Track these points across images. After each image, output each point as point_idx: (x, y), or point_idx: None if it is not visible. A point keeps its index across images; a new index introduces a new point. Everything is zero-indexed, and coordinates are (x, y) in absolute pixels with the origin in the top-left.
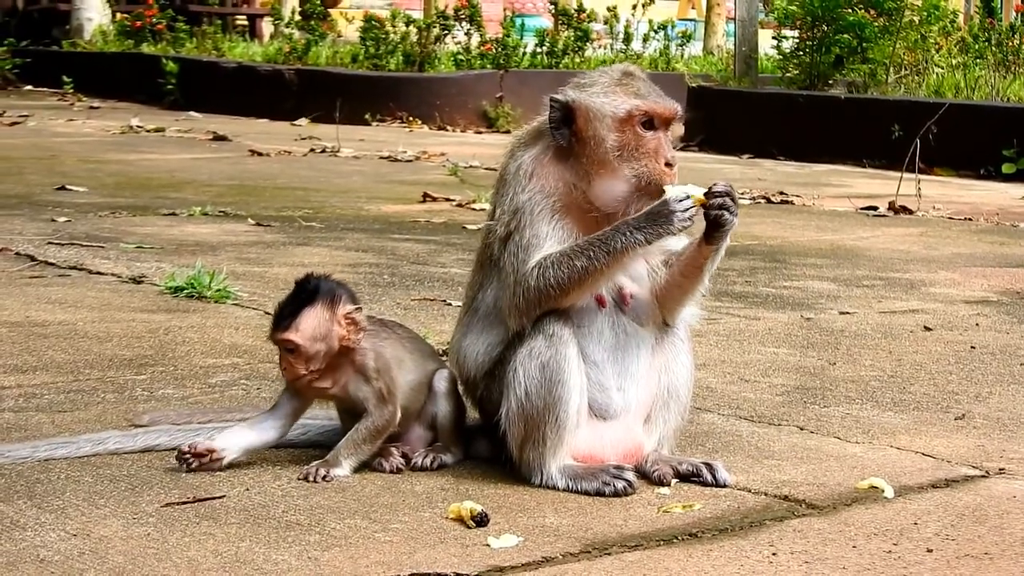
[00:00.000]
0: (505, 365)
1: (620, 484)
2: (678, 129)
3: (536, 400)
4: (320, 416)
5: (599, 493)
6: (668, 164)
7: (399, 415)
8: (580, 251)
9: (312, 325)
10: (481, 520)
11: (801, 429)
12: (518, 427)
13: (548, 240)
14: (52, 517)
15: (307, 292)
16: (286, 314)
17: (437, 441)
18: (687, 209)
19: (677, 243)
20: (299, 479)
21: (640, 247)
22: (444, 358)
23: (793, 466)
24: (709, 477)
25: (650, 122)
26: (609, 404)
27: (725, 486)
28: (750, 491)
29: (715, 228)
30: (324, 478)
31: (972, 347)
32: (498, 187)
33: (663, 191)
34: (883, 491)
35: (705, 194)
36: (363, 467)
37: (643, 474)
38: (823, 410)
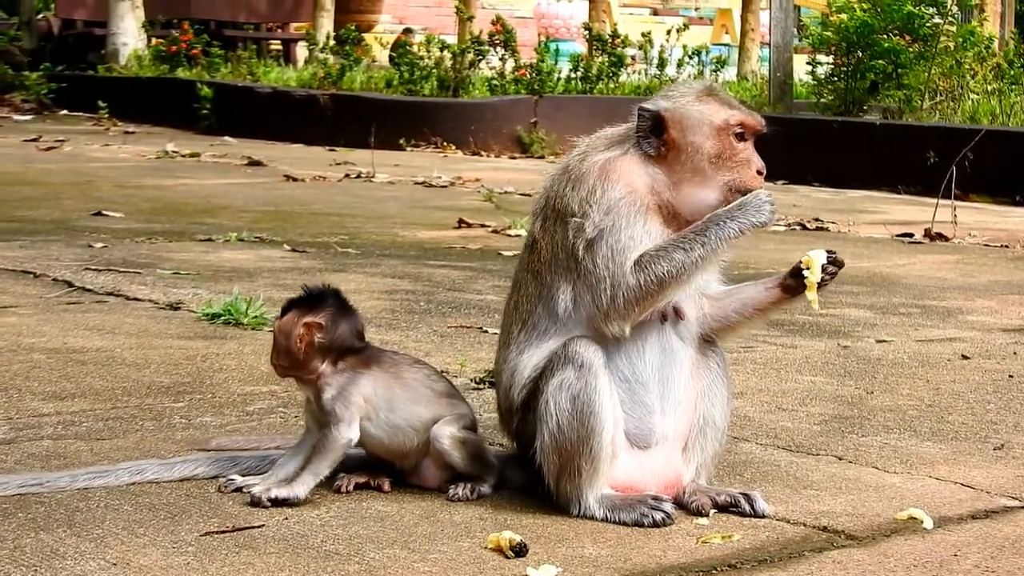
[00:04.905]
0: (537, 396)
1: (659, 515)
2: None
3: (569, 433)
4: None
5: (637, 524)
6: (759, 172)
7: (355, 438)
8: (676, 245)
9: (286, 320)
10: (520, 550)
11: (839, 459)
12: (552, 460)
13: (643, 242)
14: (92, 546)
15: (304, 296)
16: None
17: (456, 480)
18: (773, 202)
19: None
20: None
21: (734, 237)
22: (481, 386)
23: (832, 496)
24: (747, 508)
25: (742, 133)
26: (652, 430)
27: (764, 517)
28: (789, 522)
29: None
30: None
31: (1010, 376)
32: (572, 185)
33: None
34: (922, 522)
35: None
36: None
37: (681, 504)
38: (861, 440)
